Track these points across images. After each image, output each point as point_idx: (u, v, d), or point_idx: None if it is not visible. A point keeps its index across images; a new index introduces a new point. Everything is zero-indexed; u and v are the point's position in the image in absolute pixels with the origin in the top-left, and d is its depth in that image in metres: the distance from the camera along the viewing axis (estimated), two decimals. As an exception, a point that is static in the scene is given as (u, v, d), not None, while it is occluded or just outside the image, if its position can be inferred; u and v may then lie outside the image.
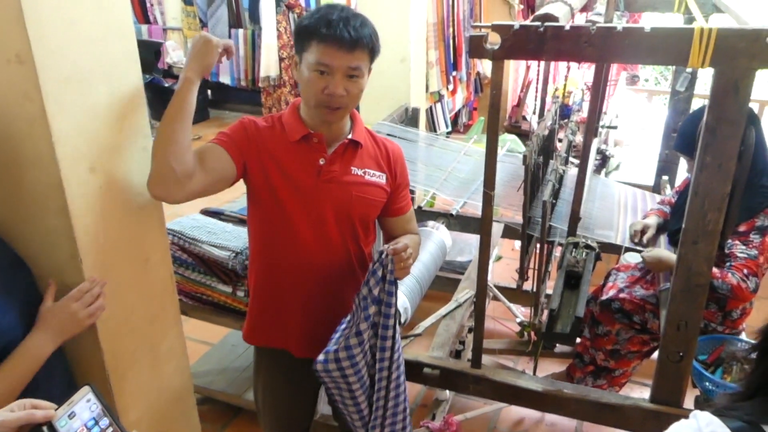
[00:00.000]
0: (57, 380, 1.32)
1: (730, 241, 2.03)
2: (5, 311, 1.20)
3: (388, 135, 2.40)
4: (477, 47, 1.56)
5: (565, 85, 2.83)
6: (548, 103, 2.74)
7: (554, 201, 2.43)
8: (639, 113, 5.58)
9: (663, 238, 2.46)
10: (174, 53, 6.45)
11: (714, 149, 1.48)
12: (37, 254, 1.34)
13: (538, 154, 2.15)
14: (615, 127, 4.31)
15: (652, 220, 2.51)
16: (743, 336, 2.20)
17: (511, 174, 2.67)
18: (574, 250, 2.33)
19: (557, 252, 2.62)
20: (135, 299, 1.53)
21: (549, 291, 2.33)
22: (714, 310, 2.14)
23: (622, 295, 2.33)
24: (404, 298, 2.05)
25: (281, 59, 5.50)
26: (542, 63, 2.60)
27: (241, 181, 1.56)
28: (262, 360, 1.76)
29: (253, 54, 6.41)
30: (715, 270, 1.96)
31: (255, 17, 5.96)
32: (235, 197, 2.52)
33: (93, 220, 1.35)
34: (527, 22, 1.53)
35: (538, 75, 2.56)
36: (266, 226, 1.58)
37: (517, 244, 3.34)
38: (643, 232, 2.47)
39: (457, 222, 2.95)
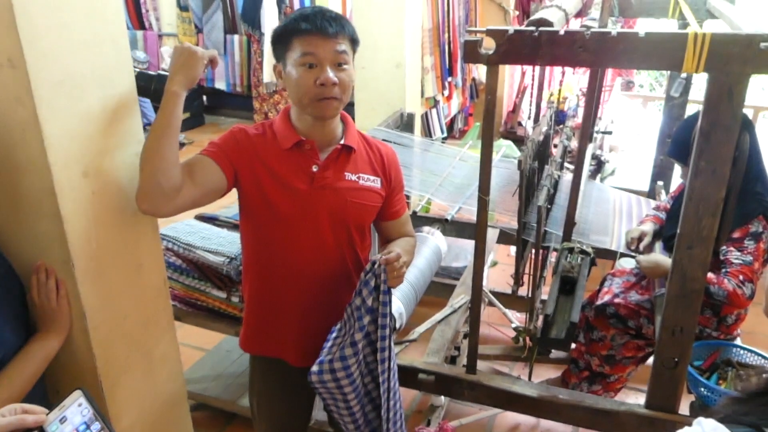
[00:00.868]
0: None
1: (724, 247, 2.03)
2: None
3: (384, 140, 2.40)
4: (472, 52, 1.57)
5: (560, 91, 2.84)
6: (543, 109, 2.75)
7: (549, 206, 2.43)
8: (634, 119, 5.61)
9: (658, 245, 2.46)
10: (169, 59, 6.46)
11: (708, 154, 1.48)
12: (29, 259, 1.33)
13: (533, 159, 2.15)
14: (610, 133, 4.34)
15: (648, 227, 2.50)
16: (738, 341, 2.20)
17: (506, 179, 2.68)
18: (569, 255, 2.33)
19: (552, 257, 2.62)
20: (128, 305, 1.52)
21: (544, 296, 2.33)
22: (709, 316, 2.14)
23: (617, 300, 2.33)
24: (399, 304, 2.04)
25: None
26: (537, 68, 2.61)
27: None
28: (257, 367, 1.75)
29: (248, 60, 6.42)
30: (711, 275, 1.96)
31: (256, 23, 5.97)
32: (230, 202, 2.51)
33: (85, 225, 1.35)
34: (522, 27, 1.53)
35: (533, 80, 2.57)
36: (260, 235, 1.57)
37: (513, 249, 3.35)
38: (639, 239, 2.46)
39: (453, 227, 2.95)
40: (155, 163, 1.34)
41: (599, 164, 4.47)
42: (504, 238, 3.01)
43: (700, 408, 1.96)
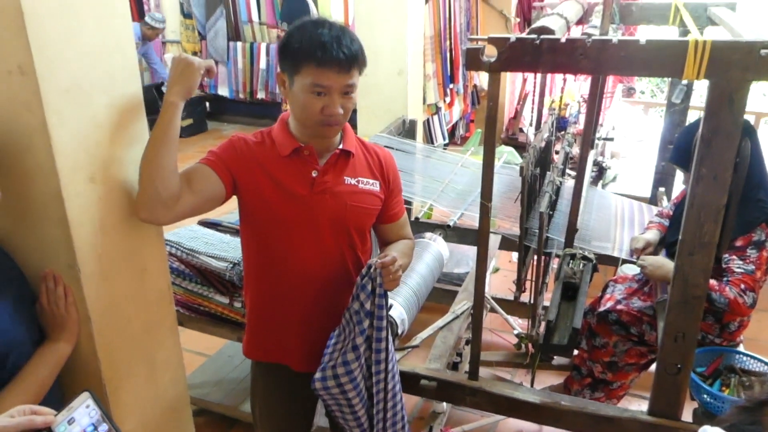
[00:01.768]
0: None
1: (726, 255, 2.02)
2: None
3: (386, 147, 2.40)
4: (474, 60, 1.58)
5: (561, 98, 2.85)
6: (545, 115, 2.76)
7: (551, 212, 2.44)
8: (635, 125, 5.62)
9: (662, 252, 2.46)
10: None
11: (709, 161, 1.49)
12: (35, 263, 1.34)
13: (535, 165, 2.16)
14: (611, 139, 4.34)
15: (652, 236, 2.49)
16: (741, 348, 2.20)
17: (508, 185, 2.68)
18: (571, 261, 2.33)
19: (554, 263, 2.62)
20: (132, 309, 1.53)
21: (546, 303, 2.33)
22: (711, 322, 2.14)
23: (619, 307, 2.33)
24: (401, 310, 2.04)
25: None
26: (539, 75, 2.62)
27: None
28: (259, 373, 1.75)
29: (251, 67, 6.45)
30: (713, 282, 1.96)
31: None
32: (233, 208, 2.52)
33: (91, 230, 1.36)
34: (523, 35, 1.54)
35: (534, 87, 2.58)
36: (262, 242, 1.57)
37: (515, 255, 3.34)
38: (644, 249, 2.45)
39: (455, 233, 2.95)
40: (154, 172, 1.36)
41: (601, 171, 4.48)
42: (506, 244, 3.01)
43: (703, 415, 1.96)
